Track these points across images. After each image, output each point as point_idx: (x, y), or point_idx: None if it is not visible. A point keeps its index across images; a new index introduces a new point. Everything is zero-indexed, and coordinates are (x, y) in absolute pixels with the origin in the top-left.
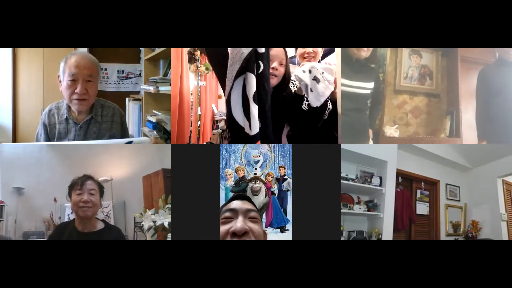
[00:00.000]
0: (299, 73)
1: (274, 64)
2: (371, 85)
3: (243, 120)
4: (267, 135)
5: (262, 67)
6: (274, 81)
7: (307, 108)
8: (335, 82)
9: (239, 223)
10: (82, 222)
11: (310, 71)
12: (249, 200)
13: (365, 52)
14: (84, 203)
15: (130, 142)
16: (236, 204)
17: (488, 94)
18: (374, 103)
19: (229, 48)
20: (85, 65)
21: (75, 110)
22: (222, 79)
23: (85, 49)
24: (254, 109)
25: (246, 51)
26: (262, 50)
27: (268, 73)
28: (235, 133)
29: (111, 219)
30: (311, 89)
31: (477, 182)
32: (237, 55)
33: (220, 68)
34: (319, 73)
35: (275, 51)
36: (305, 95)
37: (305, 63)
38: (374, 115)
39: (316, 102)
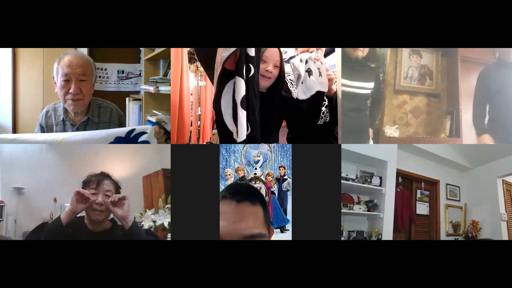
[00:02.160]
0: (296, 61)
1: (269, 67)
2: (371, 85)
3: (232, 126)
4: (255, 140)
5: (252, 71)
6: (267, 83)
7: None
8: (330, 81)
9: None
10: (92, 224)
11: (306, 62)
12: (249, 199)
13: (361, 52)
14: (98, 205)
15: (132, 130)
16: (224, 223)
17: (488, 95)
18: (374, 103)
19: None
20: (78, 64)
21: (70, 111)
22: (212, 81)
23: (85, 49)
24: (242, 115)
25: (226, 53)
26: (252, 53)
27: (258, 76)
28: (224, 137)
29: None
30: (302, 81)
31: (477, 182)
32: (219, 58)
33: (209, 70)
34: (314, 66)
35: (269, 53)
36: (295, 86)
37: (304, 53)
38: (374, 115)
39: (302, 95)
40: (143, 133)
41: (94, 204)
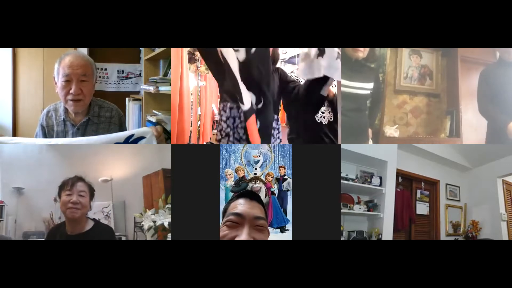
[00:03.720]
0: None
1: None
2: (370, 85)
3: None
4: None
5: (253, 49)
6: None
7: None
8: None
9: (244, 236)
10: (71, 223)
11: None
12: (257, 199)
13: (362, 53)
14: (73, 204)
15: (131, 136)
16: (243, 207)
17: (489, 94)
18: (374, 103)
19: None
20: (79, 64)
21: (71, 111)
22: (219, 79)
23: (85, 49)
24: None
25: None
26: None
27: (265, 54)
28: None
29: (111, 219)
30: (309, 60)
31: (477, 182)
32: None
33: (216, 69)
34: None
35: None
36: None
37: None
38: (374, 115)
39: (301, 74)
40: (142, 137)
41: (69, 203)
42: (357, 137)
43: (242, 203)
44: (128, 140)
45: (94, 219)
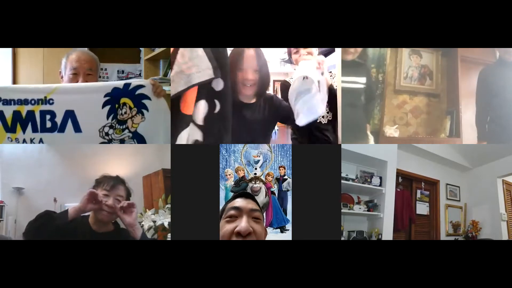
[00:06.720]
0: (313, 76)
1: (249, 76)
2: (363, 79)
3: None
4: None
5: (218, 107)
6: (252, 90)
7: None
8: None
9: (244, 223)
10: (97, 223)
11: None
12: (252, 198)
13: (352, 55)
14: (108, 207)
15: (129, 84)
16: (240, 202)
17: (488, 94)
18: (368, 99)
19: None
20: (86, 59)
21: None
22: None
23: (85, 49)
24: None
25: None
26: (219, 87)
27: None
28: None
29: None
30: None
31: (477, 182)
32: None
33: None
34: (323, 83)
35: (245, 60)
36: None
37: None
38: (369, 112)
39: (303, 120)
40: (140, 86)
41: (104, 205)
42: (356, 134)
43: (239, 201)
44: (127, 88)
45: (114, 223)
